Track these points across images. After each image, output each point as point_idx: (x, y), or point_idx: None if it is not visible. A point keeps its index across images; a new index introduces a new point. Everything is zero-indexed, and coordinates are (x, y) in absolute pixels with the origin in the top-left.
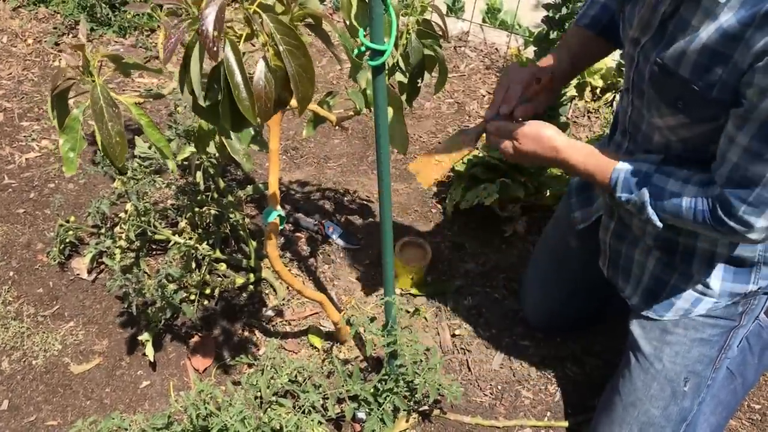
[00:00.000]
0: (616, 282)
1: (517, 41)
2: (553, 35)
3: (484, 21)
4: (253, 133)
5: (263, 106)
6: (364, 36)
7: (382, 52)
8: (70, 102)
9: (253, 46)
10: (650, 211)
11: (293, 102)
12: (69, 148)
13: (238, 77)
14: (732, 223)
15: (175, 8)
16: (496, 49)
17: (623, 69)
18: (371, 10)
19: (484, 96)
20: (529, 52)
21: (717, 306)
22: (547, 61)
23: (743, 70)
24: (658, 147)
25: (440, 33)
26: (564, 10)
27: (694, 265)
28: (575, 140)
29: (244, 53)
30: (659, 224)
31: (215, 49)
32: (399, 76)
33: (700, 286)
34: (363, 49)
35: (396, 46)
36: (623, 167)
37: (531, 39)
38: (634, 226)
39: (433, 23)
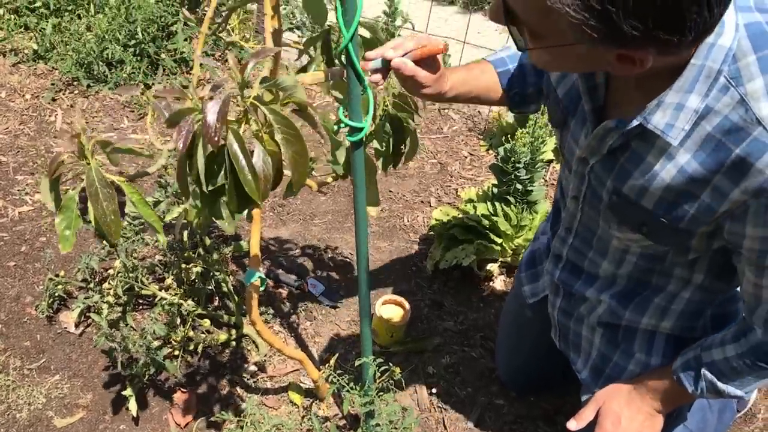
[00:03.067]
0: (568, 354)
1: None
2: None
3: None
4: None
5: (264, 187)
6: (344, 115)
7: (360, 129)
8: (67, 181)
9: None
10: (723, 386)
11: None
12: (65, 227)
13: (243, 162)
14: None
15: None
16: (479, 111)
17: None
18: (349, 90)
19: (466, 157)
20: (510, 115)
21: None
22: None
23: (716, 211)
24: (617, 248)
25: (414, 107)
26: None
27: (636, 342)
28: (634, 386)
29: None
30: (742, 394)
31: (216, 138)
32: (375, 144)
33: (642, 363)
34: (342, 125)
35: (374, 118)
36: (676, 366)
37: None
38: (581, 306)
39: (408, 98)
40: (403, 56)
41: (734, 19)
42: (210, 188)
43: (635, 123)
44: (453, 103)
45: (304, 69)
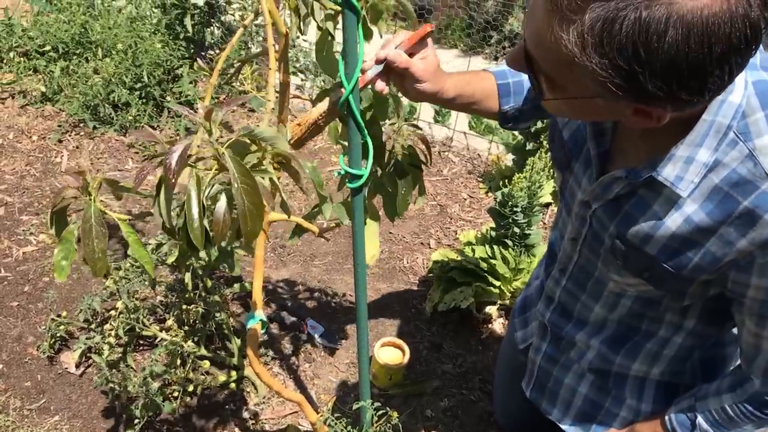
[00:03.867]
0: (540, 404)
1: (498, 148)
2: (529, 146)
3: (470, 125)
4: (217, 253)
5: (220, 232)
6: (344, 162)
7: (359, 176)
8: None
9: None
10: None
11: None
12: (62, 258)
13: (194, 210)
14: None
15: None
16: (479, 154)
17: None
18: (349, 138)
19: (465, 199)
20: (509, 158)
21: None
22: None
23: (721, 260)
24: (612, 292)
25: (424, 159)
26: (539, 124)
27: (626, 388)
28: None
29: (214, 184)
30: None
31: (174, 181)
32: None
33: (633, 409)
34: (342, 172)
35: (382, 166)
36: (670, 415)
37: (511, 146)
38: (571, 351)
39: (417, 149)
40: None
41: (743, 76)
42: (179, 224)
43: (646, 176)
44: (450, 108)
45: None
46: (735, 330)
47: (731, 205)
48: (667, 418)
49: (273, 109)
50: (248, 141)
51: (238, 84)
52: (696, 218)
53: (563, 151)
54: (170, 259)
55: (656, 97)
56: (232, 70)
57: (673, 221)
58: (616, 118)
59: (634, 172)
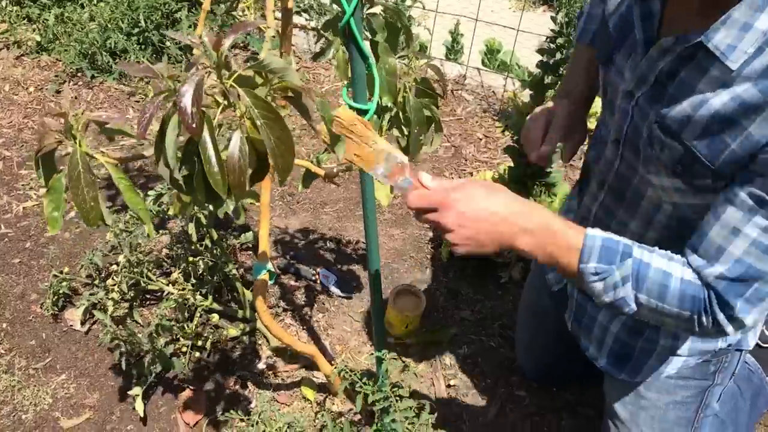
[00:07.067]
0: (579, 339)
1: (513, 84)
2: (547, 80)
3: (483, 63)
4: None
5: (237, 179)
6: (348, 96)
7: (365, 111)
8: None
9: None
10: (629, 289)
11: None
12: (53, 209)
13: (211, 152)
14: (721, 317)
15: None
16: (493, 92)
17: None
18: (352, 69)
19: (480, 139)
20: (526, 94)
21: (687, 365)
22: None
23: (758, 146)
24: (648, 204)
25: (439, 92)
26: (558, 55)
27: (662, 330)
28: (525, 200)
29: (221, 125)
30: (632, 307)
31: (194, 125)
32: (396, 131)
33: (668, 347)
34: (347, 107)
35: (395, 103)
36: (599, 233)
37: (527, 81)
38: None
39: (431, 81)
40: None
41: None
42: (185, 173)
43: (696, 40)
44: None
45: (320, 53)
46: None
47: None
48: (587, 234)
49: (273, 37)
50: (253, 74)
51: (240, 14)
52: (746, 95)
53: (608, 42)
54: (172, 210)
55: None
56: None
57: (719, 99)
58: None
59: (684, 37)
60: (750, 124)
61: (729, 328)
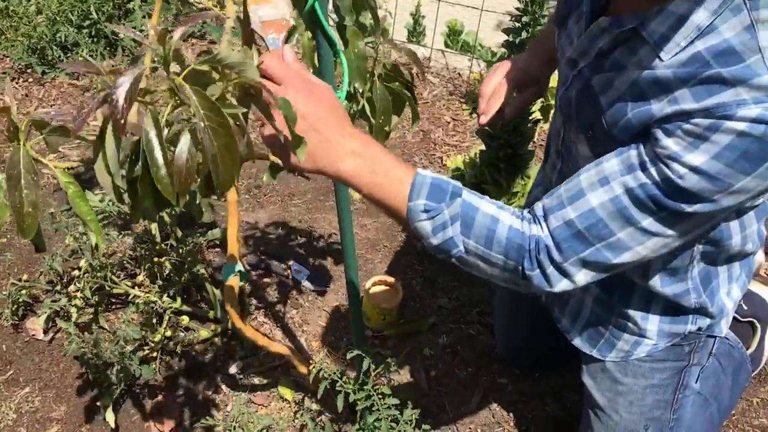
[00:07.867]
0: (553, 309)
1: (479, 65)
2: None
3: (446, 45)
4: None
5: (183, 184)
6: None
7: None
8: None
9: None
10: (457, 229)
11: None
12: None
13: (158, 153)
14: (550, 270)
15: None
16: (459, 74)
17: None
18: (319, 56)
19: (449, 122)
20: None
21: (656, 348)
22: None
23: (650, 118)
24: None
25: (414, 75)
26: (524, 34)
27: (631, 306)
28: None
29: (172, 123)
30: (460, 249)
31: (122, 122)
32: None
33: (637, 328)
34: None
35: (363, 93)
36: (429, 173)
37: (493, 62)
38: None
39: (402, 68)
40: None
41: None
42: (130, 177)
43: (630, 25)
44: None
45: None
46: (733, 238)
47: (700, 70)
48: (418, 172)
49: (233, 27)
50: (208, 69)
51: (197, 2)
52: (660, 74)
53: (564, 4)
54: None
55: None
56: None
57: (638, 72)
58: None
59: (619, 20)
60: (654, 98)
61: (556, 282)
